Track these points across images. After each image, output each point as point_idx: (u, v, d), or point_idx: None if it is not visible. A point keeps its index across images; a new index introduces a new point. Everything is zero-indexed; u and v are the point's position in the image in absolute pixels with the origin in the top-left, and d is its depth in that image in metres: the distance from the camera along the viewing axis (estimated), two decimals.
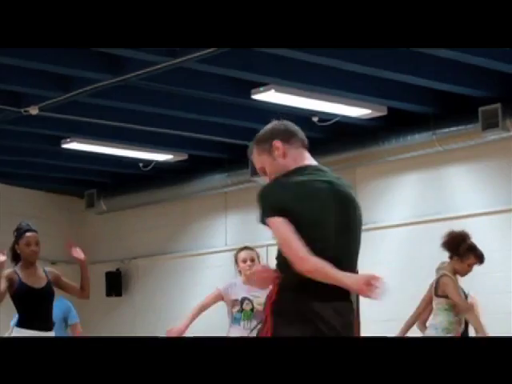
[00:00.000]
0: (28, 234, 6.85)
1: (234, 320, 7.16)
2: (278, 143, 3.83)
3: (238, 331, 7.14)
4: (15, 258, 6.87)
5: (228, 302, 7.23)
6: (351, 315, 3.74)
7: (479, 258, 7.16)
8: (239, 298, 7.16)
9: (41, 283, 6.85)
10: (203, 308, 7.28)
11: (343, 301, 3.67)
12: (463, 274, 7.19)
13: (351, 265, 3.74)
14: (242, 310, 7.24)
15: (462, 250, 7.13)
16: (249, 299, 7.16)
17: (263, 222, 3.72)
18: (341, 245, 3.70)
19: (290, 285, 3.61)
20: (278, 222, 3.62)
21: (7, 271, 6.74)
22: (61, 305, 8.68)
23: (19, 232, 6.88)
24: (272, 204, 3.66)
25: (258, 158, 3.86)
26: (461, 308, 7.00)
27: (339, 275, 3.52)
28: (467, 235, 7.25)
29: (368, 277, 3.50)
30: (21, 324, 6.74)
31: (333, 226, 3.67)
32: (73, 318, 9.26)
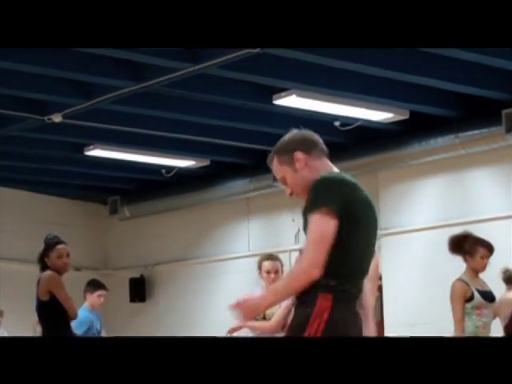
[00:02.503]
0: (59, 246, 6.82)
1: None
2: (299, 154, 3.73)
3: None
4: (44, 268, 6.86)
5: None
6: None
7: (488, 247, 7.16)
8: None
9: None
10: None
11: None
12: (480, 268, 7.18)
13: (367, 271, 3.72)
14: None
15: (467, 246, 7.14)
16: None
17: (312, 209, 3.53)
18: (371, 253, 3.69)
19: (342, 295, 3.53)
20: (328, 219, 3.49)
21: (52, 275, 6.71)
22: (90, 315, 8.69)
23: (49, 244, 6.86)
24: (334, 198, 3.55)
25: (278, 168, 3.77)
26: (456, 318, 6.99)
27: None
28: (468, 233, 7.26)
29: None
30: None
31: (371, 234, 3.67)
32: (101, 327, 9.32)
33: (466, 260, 7.24)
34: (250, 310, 3.64)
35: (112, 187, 13.56)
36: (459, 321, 7.00)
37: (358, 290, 3.61)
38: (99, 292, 8.44)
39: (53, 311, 6.65)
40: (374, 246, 3.70)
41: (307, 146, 3.78)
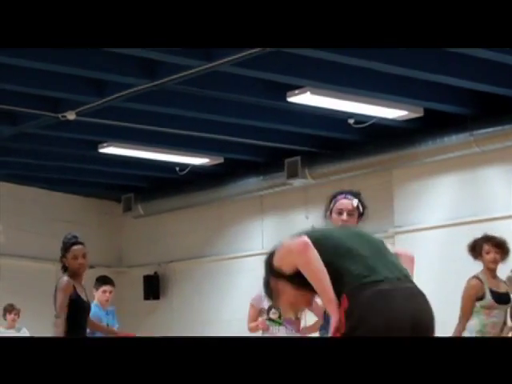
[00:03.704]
0: (75, 247, 6.80)
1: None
2: None
3: None
4: (63, 269, 6.87)
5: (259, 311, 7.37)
6: None
7: (491, 242, 7.16)
8: (266, 307, 7.24)
9: (85, 295, 6.87)
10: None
11: None
12: (491, 265, 7.17)
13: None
14: (269, 319, 7.32)
15: (476, 245, 7.17)
16: (275, 308, 7.21)
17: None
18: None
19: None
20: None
21: (65, 281, 6.69)
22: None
23: (65, 245, 6.85)
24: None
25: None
26: (463, 313, 7.03)
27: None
28: (484, 235, 7.27)
29: None
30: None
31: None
32: (113, 322, 9.33)
33: (480, 258, 7.25)
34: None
35: (126, 185, 13.59)
36: (463, 317, 7.05)
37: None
38: (104, 288, 8.47)
39: (70, 313, 6.62)
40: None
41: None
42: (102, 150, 11.35)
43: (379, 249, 4.01)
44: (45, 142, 11.22)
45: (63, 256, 6.80)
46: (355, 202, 5.02)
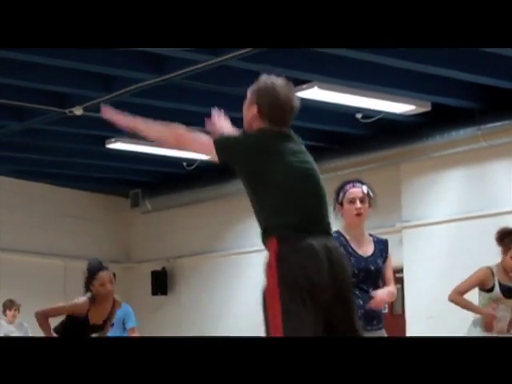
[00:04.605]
0: (101, 273, 6.62)
1: None
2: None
3: None
4: (86, 289, 6.76)
5: None
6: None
7: None
8: None
9: (102, 319, 6.80)
10: None
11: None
12: (508, 268, 7.09)
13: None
14: None
15: (506, 242, 7.05)
16: None
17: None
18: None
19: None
20: None
21: (82, 301, 6.66)
22: (122, 308, 8.73)
23: (91, 272, 6.65)
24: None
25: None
26: (458, 287, 7.10)
27: None
28: None
29: None
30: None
31: None
32: (131, 322, 9.36)
33: (501, 254, 7.14)
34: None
35: (133, 180, 13.60)
36: (457, 292, 7.14)
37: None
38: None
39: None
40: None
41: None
42: (109, 146, 11.35)
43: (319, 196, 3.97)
44: (52, 138, 11.23)
45: (89, 283, 6.63)
46: (365, 188, 5.02)
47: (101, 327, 6.72)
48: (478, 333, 6.91)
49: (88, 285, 6.65)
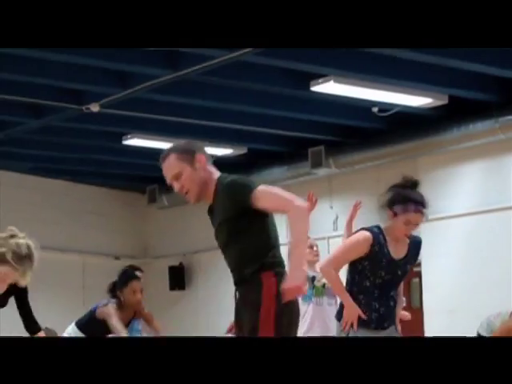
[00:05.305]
0: (134, 282, 6.68)
1: (305, 298, 7.15)
2: (201, 157, 4.20)
3: (310, 309, 7.22)
4: (114, 296, 6.75)
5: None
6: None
7: None
8: (310, 276, 7.16)
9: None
10: None
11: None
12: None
13: None
14: (313, 287, 7.26)
15: None
16: (318, 277, 7.19)
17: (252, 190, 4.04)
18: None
19: None
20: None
21: (109, 307, 6.56)
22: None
23: (124, 278, 6.69)
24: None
25: (176, 163, 4.21)
26: None
27: None
28: None
29: None
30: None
31: None
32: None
33: None
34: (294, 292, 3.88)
35: (150, 176, 13.61)
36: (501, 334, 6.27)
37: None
38: None
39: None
40: None
41: (205, 152, 4.27)
42: (126, 142, 11.38)
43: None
44: (69, 135, 11.26)
45: (119, 289, 6.62)
46: (425, 215, 5.01)
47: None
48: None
49: (115, 290, 6.65)
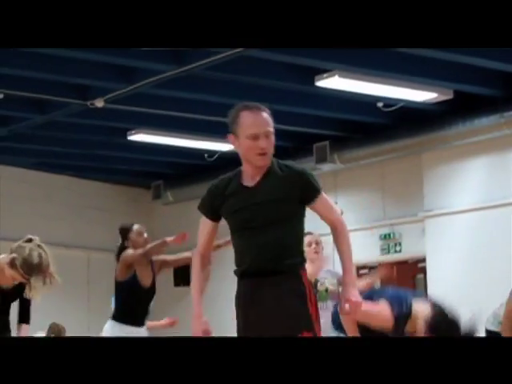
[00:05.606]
0: (136, 225, 7.12)
1: None
2: None
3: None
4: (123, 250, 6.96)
5: None
6: None
7: None
8: (312, 280, 7.12)
9: (150, 281, 7.01)
10: None
11: None
12: None
13: None
14: (316, 292, 7.22)
15: None
16: (321, 281, 7.14)
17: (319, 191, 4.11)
18: None
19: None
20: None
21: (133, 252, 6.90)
22: None
23: (125, 228, 7.09)
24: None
25: (271, 123, 4.36)
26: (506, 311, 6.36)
27: None
28: None
29: None
30: (118, 318, 6.88)
31: None
32: None
33: None
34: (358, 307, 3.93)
35: (155, 172, 13.62)
36: (508, 318, 6.25)
37: None
38: None
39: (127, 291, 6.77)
40: None
41: None
42: (130, 138, 11.38)
43: None
44: (74, 130, 11.26)
45: (125, 239, 6.96)
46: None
47: (152, 291, 6.92)
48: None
49: (123, 244, 6.94)
